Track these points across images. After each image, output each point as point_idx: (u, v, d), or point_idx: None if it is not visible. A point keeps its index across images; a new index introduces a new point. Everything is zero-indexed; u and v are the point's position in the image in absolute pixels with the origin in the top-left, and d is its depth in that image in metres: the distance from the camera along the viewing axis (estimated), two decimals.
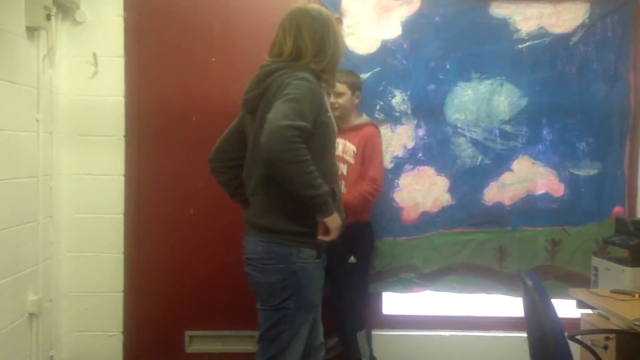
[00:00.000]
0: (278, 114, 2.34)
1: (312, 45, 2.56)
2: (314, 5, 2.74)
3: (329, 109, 2.62)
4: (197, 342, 3.87)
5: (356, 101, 3.59)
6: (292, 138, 2.31)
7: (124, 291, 3.80)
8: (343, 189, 3.31)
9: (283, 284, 2.53)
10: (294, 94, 2.39)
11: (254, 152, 2.58)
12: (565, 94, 3.79)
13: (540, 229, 3.82)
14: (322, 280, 2.65)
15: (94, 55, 3.68)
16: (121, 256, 3.79)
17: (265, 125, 2.35)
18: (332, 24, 2.62)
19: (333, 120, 2.64)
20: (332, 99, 3.42)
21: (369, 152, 3.52)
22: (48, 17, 3.29)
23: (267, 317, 2.59)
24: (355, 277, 3.53)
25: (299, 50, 2.56)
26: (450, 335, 3.86)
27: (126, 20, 3.72)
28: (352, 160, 3.51)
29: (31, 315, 3.32)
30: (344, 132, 3.53)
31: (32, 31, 3.26)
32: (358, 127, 3.57)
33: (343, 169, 3.47)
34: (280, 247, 2.53)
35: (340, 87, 3.49)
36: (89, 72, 3.70)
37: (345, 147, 3.53)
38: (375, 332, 3.86)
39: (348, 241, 3.14)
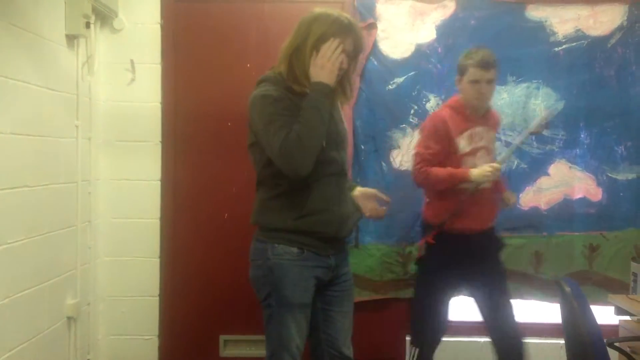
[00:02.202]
0: (274, 142, 2.40)
1: (282, 53, 2.53)
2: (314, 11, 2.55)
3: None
4: (231, 346, 3.90)
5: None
6: (282, 150, 2.37)
7: (160, 295, 3.85)
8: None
9: (263, 280, 2.54)
10: (262, 119, 2.46)
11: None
12: (603, 97, 3.74)
13: (577, 234, 3.77)
14: (307, 280, 2.55)
15: (132, 62, 3.74)
16: (157, 260, 3.83)
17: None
18: (305, 24, 2.47)
19: None
20: (483, 89, 3.15)
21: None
22: (87, 25, 3.35)
23: (263, 315, 2.60)
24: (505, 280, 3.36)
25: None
26: (485, 342, 3.81)
27: (163, 28, 3.77)
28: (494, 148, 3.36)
29: (69, 318, 3.37)
30: (481, 119, 3.26)
31: (71, 39, 3.33)
32: (490, 112, 3.35)
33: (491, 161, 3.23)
34: (260, 244, 2.55)
35: (493, 73, 3.17)
36: (126, 79, 3.76)
37: (489, 136, 3.29)
38: (409, 338, 3.85)
39: (497, 242, 3.27)
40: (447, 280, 3.22)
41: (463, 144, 3.18)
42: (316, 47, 2.42)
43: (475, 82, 3.12)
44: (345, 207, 2.61)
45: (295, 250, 2.51)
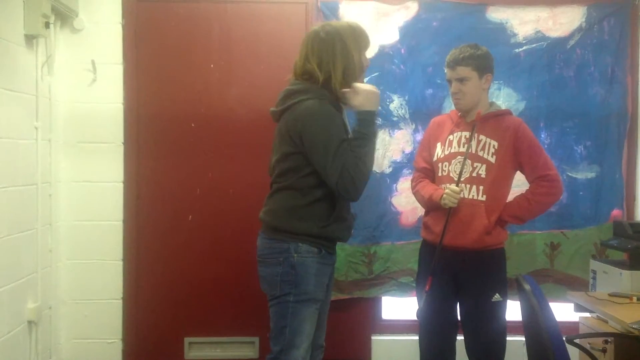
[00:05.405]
0: (333, 171, 2.54)
1: (319, 68, 2.63)
2: (325, 24, 2.74)
3: (347, 124, 2.69)
4: (196, 348, 3.87)
5: (486, 86, 3.10)
6: (350, 180, 2.54)
7: (123, 298, 3.80)
8: (481, 194, 3.03)
9: (283, 277, 2.63)
10: (323, 141, 2.55)
11: (278, 162, 2.70)
12: (562, 98, 3.80)
13: (538, 232, 3.82)
14: (327, 277, 2.72)
15: (93, 63, 3.69)
16: (120, 263, 3.79)
17: (332, 180, 2.56)
18: (338, 39, 2.64)
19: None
20: (453, 89, 3.06)
21: (526, 145, 3.06)
22: (47, 25, 3.30)
23: (272, 314, 2.69)
24: (501, 313, 3.08)
25: (311, 73, 2.65)
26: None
27: (124, 28, 3.73)
28: (492, 159, 3.04)
29: (30, 322, 3.32)
30: (469, 125, 3.08)
31: (30, 39, 3.27)
32: (494, 118, 3.10)
33: (480, 169, 3.05)
34: (279, 243, 2.65)
35: (463, 71, 3.02)
36: (87, 79, 3.71)
37: (480, 143, 3.06)
38: (374, 337, 3.88)
39: (486, 274, 3.03)
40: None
41: (439, 149, 3.16)
42: (360, 64, 2.69)
43: (449, 82, 3.11)
44: (351, 214, 2.82)
45: (315, 249, 2.65)
